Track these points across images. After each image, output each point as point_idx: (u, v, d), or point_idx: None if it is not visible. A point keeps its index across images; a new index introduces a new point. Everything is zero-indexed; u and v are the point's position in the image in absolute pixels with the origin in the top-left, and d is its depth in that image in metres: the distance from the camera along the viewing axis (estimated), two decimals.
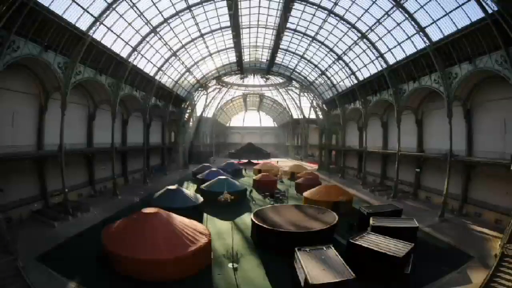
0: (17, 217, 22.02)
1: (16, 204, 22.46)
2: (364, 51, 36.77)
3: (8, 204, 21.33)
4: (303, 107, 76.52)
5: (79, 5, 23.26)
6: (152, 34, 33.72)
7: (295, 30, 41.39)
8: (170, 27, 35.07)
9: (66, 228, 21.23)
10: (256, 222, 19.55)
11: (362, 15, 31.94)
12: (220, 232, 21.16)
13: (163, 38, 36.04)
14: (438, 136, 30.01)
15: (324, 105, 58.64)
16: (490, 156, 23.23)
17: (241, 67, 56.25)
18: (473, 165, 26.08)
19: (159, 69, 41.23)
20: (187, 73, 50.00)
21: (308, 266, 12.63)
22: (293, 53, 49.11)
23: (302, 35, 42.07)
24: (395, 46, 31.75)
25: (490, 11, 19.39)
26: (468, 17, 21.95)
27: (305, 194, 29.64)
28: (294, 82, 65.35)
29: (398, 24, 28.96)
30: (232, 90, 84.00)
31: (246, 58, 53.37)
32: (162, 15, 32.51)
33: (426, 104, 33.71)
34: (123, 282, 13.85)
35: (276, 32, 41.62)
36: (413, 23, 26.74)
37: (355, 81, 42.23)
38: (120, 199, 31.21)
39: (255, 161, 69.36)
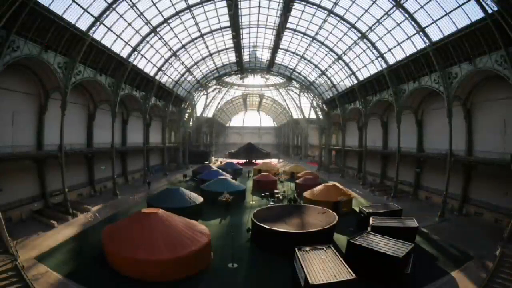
0: (17, 217, 22.02)
1: (16, 204, 22.46)
2: (364, 51, 36.79)
3: (8, 204, 21.33)
4: (303, 107, 76.58)
5: (79, 5, 23.28)
6: (152, 34, 33.74)
7: (295, 30, 41.37)
8: (170, 27, 35.09)
9: (66, 228, 21.25)
10: (256, 222, 19.54)
11: (362, 15, 31.95)
12: (220, 232, 21.15)
13: (163, 38, 36.05)
14: (438, 136, 30.01)
15: (324, 105, 58.62)
16: (490, 156, 23.23)
17: (241, 67, 56.24)
18: (473, 165, 26.08)
19: (159, 69, 41.23)
20: (187, 73, 50.00)
21: (308, 266, 12.62)
22: (293, 53, 49.08)
23: (302, 35, 42.05)
24: (395, 46, 31.79)
25: (490, 11, 19.38)
26: (468, 17, 21.97)
27: (305, 194, 29.63)
28: (294, 82, 65.31)
29: (398, 24, 28.97)
30: (232, 90, 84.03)
31: (246, 58, 53.36)
32: (162, 15, 32.51)
33: (426, 104, 33.72)
34: (123, 282, 13.83)
35: (276, 32, 41.60)
36: (413, 23, 26.75)
37: (355, 81, 42.25)
38: (120, 199, 31.22)
39: (255, 161, 69.33)
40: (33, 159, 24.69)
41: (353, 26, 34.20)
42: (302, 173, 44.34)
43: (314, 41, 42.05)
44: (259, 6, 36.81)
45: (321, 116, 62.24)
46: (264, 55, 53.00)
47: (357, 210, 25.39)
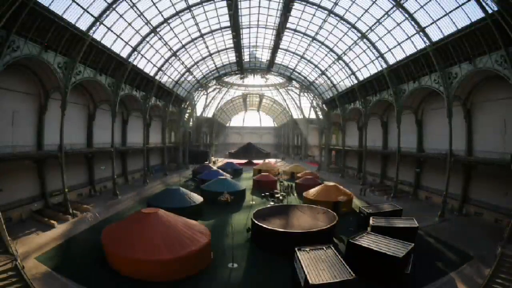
0: (17, 217, 22.00)
1: (16, 204, 22.46)
2: (364, 51, 36.78)
3: (8, 204, 21.32)
4: (303, 107, 76.56)
5: (79, 5, 23.27)
6: (152, 34, 33.73)
7: (295, 30, 41.36)
8: (170, 27, 35.08)
9: (66, 228, 21.26)
10: (256, 222, 19.56)
11: (362, 15, 31.94)
12: (220, 232, 21.15)
13: (163, 38, 36.04)
14: (438, 136, 29.99)
15: (324, 105, 58.63)
16: (490, 156, 23.22)
17: (241, 67, 56.22)
18: (473, 165, 26.07)
19: (159, 69, 41.23)
20: (187, 73, 50.00)
21: (308, 266, 12.63)
22: (293, 53, 49.08)
23: (302, 35, 42.04)
24: (395, 46, 31.76)
25: (490, 11, 19.38)
26: (468, 17, 21.95)
27: (305, 194, 29.65)
28: (294, 82, 65.32)
29: (398, 24, 28.96)
30: (232, 90, 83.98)
31: (246, 58, 53.35)
32: (162, 15, 32.50)
33: (426, 104, 33.72)
34: (123, 282, 13.84)
35: (276, 32, 41.59)
36: (413, 23, 26.74)
37: (355, 81, 42.24)
38: (120, 199, 31.23)
39: (255, 161, 69.37)
40: (33, 159, 24.66)
41: (353, 26, 34.19)
42: (302, 173, 44.36)
43: (314, 41, 42.04)
44: (259, 6, 36.81)
45: (321, 116, 62.24)
46: (264, 55, 52.96)
47: (357, 210, 25.38)
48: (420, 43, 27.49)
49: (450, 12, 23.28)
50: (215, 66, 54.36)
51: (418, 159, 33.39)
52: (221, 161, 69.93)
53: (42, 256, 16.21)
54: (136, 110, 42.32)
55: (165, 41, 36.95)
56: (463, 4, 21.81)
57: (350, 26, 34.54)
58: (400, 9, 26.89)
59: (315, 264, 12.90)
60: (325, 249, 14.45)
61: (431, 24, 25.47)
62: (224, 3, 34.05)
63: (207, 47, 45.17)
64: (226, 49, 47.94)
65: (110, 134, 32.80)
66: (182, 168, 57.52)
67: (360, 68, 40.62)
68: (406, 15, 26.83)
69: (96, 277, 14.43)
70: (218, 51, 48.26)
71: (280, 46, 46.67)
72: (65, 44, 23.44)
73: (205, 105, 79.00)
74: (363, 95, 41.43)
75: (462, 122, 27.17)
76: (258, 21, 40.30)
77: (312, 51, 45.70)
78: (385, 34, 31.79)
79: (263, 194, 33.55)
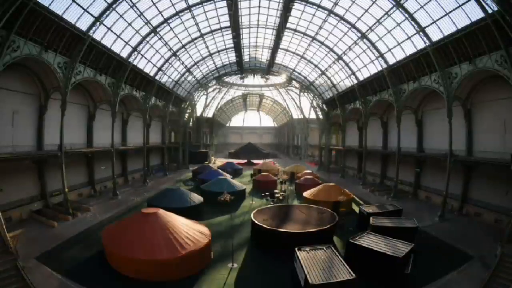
0: (17, 217, 22.02)
1: (16, 204, 22.47)
2: (364, 51, 36.77)
3: (8, 204, 21.34)
4: (303, 107, 76.65)
5: (79, 5, 23.28)
6: (152, 34, 33.73)
7: (295, 30, 41.37)
8: (170, 27, 35.09)
9: (66, 228, 21.24)
10: (256, 222, 19.56)
11: (362, 15, 31.94)
12: (220, 232, 21.16)
13: (163, 38, 36.05)
14: (438, 136, 30.00)
15: (324, 105, 58.62)
16: (490, 156, 23.21)
17: (241, 67, 56.25)
18: (473, 165, 26.05)
19: (159, 69, 41.22)
20: (187, 73, 50.00)
21: (308, 266, 12.63)
22: (293, 53, 49.10)
23: (302, 35, 42.04)
24: (395, 46, 31.75)
25: (490, 11, 19.38)
26: (468, 17, 21.94)
27: (305, 194, 29.66)
28: (294, 82, 65.35)
29: (398, 24, 28.96)
30: (232, 90, 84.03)
31: (246, 58, 53.36)
32: (162, 15, 32.51)
33: (426, 104, 33.70)
34: (123, 282, 13.86)
35: (276, 32, 41.61)
36: (413, 23, 26.73)
37: (355, 81, 42.21)
38: (120, 199, 31.23)
39: (255, 161, 69.38)
40: (33, 159, 24.64)
41: (353, 26, 34.18)
42: (302, 173, 44.35)
43: (314, 41, 42.03)
44: (259, 6, 36.83)
45: (321, 116, 62.21)
46: (264, 55, 52.99)
47: (357, 210, 25.39)
48: (420, 43, 27.50)
49: (450, 12, 23.27)
50: (215, 66, 54.37)
51: (418, 159, 33.38)
52: (221, 161, 69.91)
53: (42, 256, 16.19)
54: (136, 110, 42.31)
55: (165, 41, 36.95)
56: (463, 4, 21.81)
57: (350, 26, 34.53)
58: (400, 9, 26.89)
59: (315, 264, 12.90)
60: (325, 249, 14.45)
61: (431, 24, 25.46)
62: (224, 3, 34.07)
63: (207, 47, 45.18)
64: (226, 49, 47.96)
65: (110, 134, 32.77)
66: (181, 168, 57.49)
67: (360, 68, 40.61)
68: (406, 15, 26.83)
69: (96, 277, 14.44)
70: (218, 51, 48.27)
71: (280, 46, 46.68)
72: (65, 44, 23.45)
73: (205, 105, 79.07)
74: (363, 95, 41.40)
75: (462, 122, 27.15)
76: (258, 21, 40.32)
77: (312, 51, 45.70)
78: (385, 34, 31.78)
79: (263, 194, 33.53)
